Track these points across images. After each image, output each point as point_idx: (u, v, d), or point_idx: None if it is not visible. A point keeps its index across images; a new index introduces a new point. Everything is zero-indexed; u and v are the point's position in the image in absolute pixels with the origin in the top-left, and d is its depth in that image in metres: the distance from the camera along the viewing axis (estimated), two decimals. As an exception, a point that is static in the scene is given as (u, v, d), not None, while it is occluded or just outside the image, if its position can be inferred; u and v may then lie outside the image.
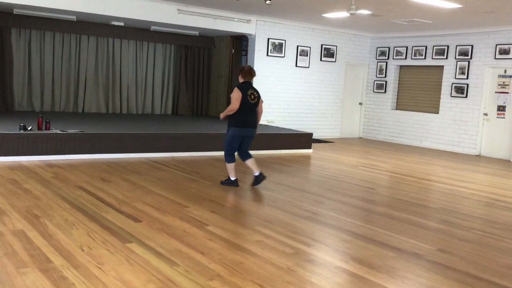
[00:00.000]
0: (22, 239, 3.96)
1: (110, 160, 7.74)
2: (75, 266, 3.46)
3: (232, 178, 6.54)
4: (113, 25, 11.48)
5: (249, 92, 6.29)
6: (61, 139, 7.58)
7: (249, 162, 6.54)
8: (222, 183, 6.62)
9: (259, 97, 6.42)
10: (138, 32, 12.04)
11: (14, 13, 10.20)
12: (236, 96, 6.22)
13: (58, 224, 4.40)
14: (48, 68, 11.33)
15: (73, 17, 10.70)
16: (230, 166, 6.47)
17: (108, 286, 3.18)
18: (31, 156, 7.34)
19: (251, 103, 6.29)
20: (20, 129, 7.37)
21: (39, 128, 7.65)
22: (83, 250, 3.78)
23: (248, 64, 12.08)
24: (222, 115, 6.49)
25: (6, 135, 7.17)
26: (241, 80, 6.41)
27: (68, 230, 4.25)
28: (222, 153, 8.55)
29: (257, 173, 6.54)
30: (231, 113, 6.31)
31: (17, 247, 3.77)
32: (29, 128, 7.47)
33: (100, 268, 3.45)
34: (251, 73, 6.38)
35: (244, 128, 6.34)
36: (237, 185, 6.53)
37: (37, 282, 3.18)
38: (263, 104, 6.61)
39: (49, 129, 7.68)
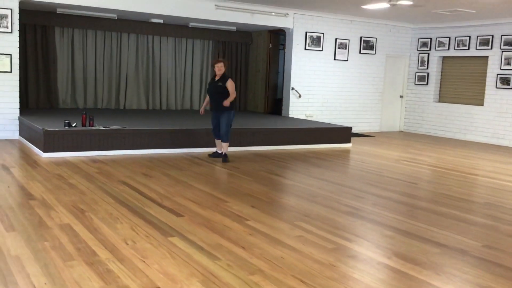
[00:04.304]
0: (68, 232, 4.07)
1: (151, 156, 7.87)
2: (119, 260, 3.53)
3: (214, 150, 8.03)
4: (153, 23, 11.65)
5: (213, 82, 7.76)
6: (104, 135, 7.75)
7: (217, 141, 7.90)
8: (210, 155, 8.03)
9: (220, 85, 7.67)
10: (176, 29, 12.16)
11: (57, 12, 10.48)
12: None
13: (103, 218, 4.51)
14: (90, 66, 11.59)
15: (114, 15, 10.91)
16: (216, 141, 7.96)
17: (152, 279, 3.24)
18: (76, 152, 7.54)
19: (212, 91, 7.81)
20: (65, 126, 7.58)
21: (83, 125, 7.84)
22: (127, 244, 3.86)
23: (285, 58, 12.06)
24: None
25: (52, 132, 7.39)
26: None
27: (112, 224, 4.35)
28: (261, 148, 9.00)
29: (220, 151, 7.88)
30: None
31: (64, 240, 3.88)
32: (73, 125, 7.67)
33: (144, 262, 3.52)
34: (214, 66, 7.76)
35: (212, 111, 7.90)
36: (217, 156, 7.85)
37: (83, 275, 3.26)
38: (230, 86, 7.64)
39: (92, 126, 7.87)
